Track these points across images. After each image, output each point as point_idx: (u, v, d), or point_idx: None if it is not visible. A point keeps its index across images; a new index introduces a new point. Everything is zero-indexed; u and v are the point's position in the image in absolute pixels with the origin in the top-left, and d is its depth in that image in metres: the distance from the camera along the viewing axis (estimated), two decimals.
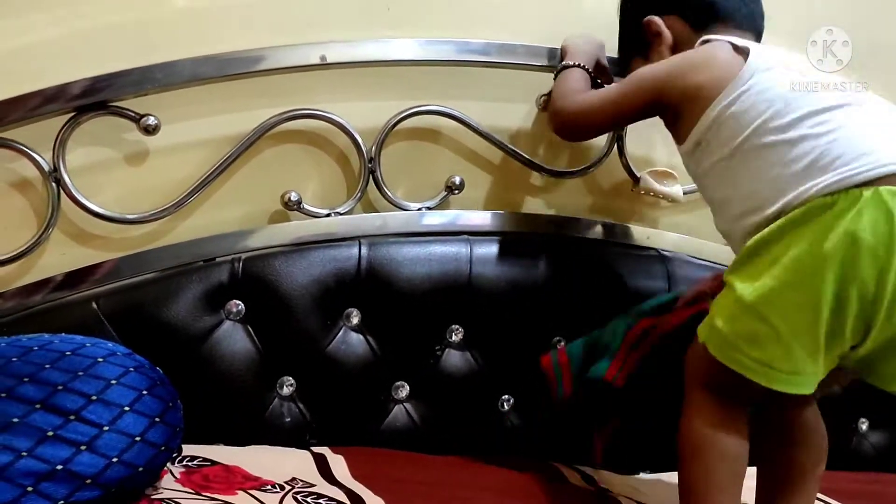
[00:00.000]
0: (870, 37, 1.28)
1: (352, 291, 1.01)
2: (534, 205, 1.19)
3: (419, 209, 1.10)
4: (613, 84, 1.03)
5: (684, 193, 1.17)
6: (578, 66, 1.03)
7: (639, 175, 1.17)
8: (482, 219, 1.13)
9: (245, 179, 1.06)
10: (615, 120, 1.01)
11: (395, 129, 1.08)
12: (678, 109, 0.88)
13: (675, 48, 0.99)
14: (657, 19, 1.00)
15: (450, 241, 1.07)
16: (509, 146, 1.13)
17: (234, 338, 0.97)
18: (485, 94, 1.14)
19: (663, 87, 0.89)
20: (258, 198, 1.06)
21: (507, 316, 1.07)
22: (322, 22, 1.05)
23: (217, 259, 1.00)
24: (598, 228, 1.18)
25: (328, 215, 1.06)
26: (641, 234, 1.20)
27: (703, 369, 0.85)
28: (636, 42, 1.03)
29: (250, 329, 0.98)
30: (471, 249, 1.06)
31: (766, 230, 0.78)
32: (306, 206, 1.05)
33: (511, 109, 1.16)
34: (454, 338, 1.05)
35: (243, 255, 1.00)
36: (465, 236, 1.09)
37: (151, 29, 0.99)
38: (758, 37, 0.98)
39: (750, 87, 0.82)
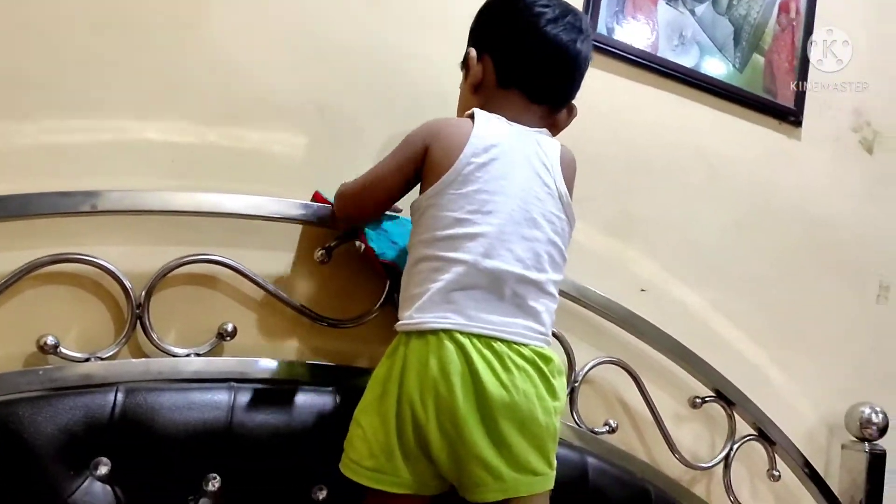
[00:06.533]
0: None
1: (102, 440, 0.99)
2: (308, 354, 1.22)
3: (187, 355, 1.11)
4: None
5: None
6: None
7: None
8: (250, 366, 1.14)
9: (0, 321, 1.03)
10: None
11: (170, 274, 1.10)
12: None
13: (478, 88, 1.06)
14: (474, 54, 1.07)
15: (214, 388, 1.08)
16: (284, 296, 1.17)
17: None
18: (264, 243, 1.19)
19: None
20: (13, 341, 1.03)
21: (268, 465, 1.07)
22: (98, 169, 1.08)
23: None
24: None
25: (87, 360, 1.05)
26: None
27: None
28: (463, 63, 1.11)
29: None
30: (234, 397, 1.07)
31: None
32: (63, 350, 1.04)
33: (290, 259, 1.21)
34: (210, 487, 1.03)
35: None
36: (232, 383, 1.10)
37: None
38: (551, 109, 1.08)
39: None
